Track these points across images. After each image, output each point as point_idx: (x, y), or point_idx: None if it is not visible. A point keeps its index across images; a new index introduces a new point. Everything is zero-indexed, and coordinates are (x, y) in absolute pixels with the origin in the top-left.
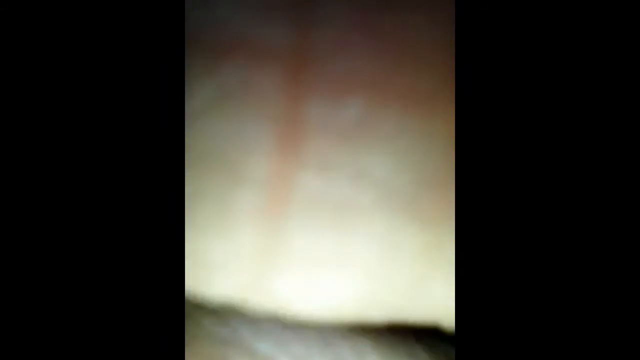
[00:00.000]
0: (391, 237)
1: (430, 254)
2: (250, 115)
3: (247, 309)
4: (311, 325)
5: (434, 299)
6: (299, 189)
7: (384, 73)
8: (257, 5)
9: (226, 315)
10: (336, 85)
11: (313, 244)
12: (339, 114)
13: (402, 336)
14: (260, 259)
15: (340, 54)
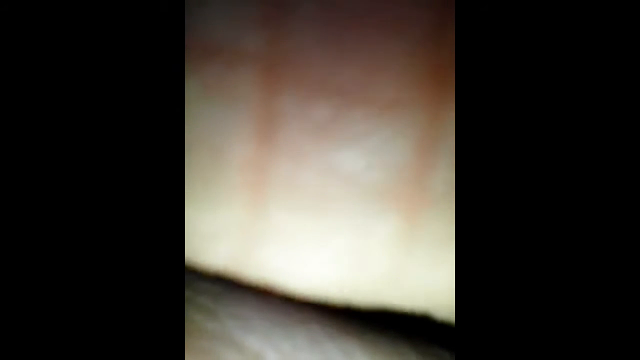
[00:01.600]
0: (363, 225)
1: (403, 241)
2: (229, 109)
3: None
4: (295, 300)
5: (416, 286)
6: (275, 174)
7: (356, 76)
8: (235, 11)
9: (217, 310)
10: (308, 85)
11: (292, 225)
12: (310, 112)
13: (390, 334)
14: (243, 233)
15: (311, 58)
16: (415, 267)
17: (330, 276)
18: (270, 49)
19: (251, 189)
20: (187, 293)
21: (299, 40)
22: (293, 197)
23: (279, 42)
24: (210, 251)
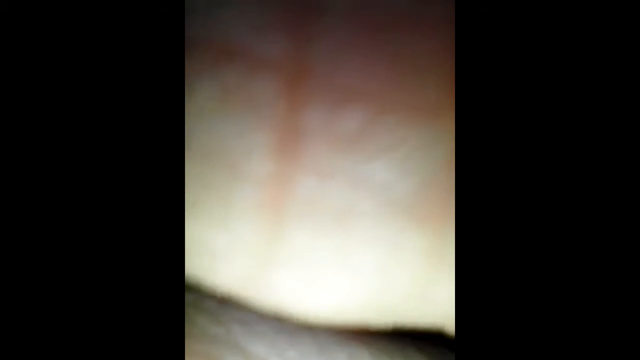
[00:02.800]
0: (391, 242)
1: (432, 259)
2: (249, 118)
3: (244, 302)
4: (310, 325)
5: (437, 304)
6: (296, 191)
7: (383, 83)
8: (259, 13)
9: (221, 314)
10: (334, 94)
11: (311, 245)
12: (337, 122)
13: (401, 343)
14: (258, 254)
15: (338, 65)
16: (439, 285)
17: (352, 298)
18: (295, 54)
19: (270, 206)
20: (192, 297)
21: (326, 45)
22: (315, 215)
23: (304, 48)
24: (223, 271)
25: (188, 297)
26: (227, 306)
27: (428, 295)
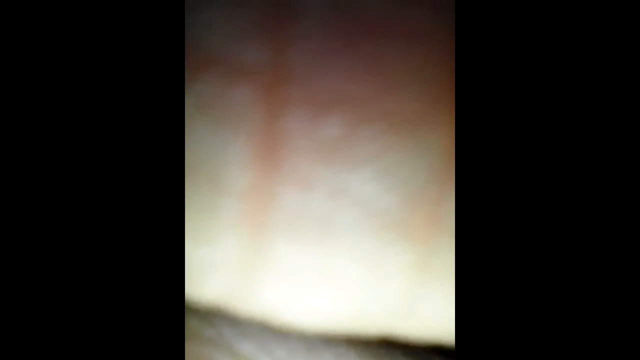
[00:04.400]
0: (375, 254)
1: (419, 272)
2: (227, 127)
3: (230, 313)
4: (294, 335)
5: (424, 317)
6: (277, 202)
7: (366, 89)
8: (235, 20)
9: (212, 317)
10: (314, 102)
11: (294, 257)
12: (318, 131)
13: (389, 344)
14: (241, 267)
15: (318, 72)
16: (429, 299)
17: (337, 311)
18: (273, 60)
19: (252, 217)
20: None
21: (304, 51)
22: (298, 226)
23: (283, 53)
24: (205, 286)
25: None
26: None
27: (414, 309)
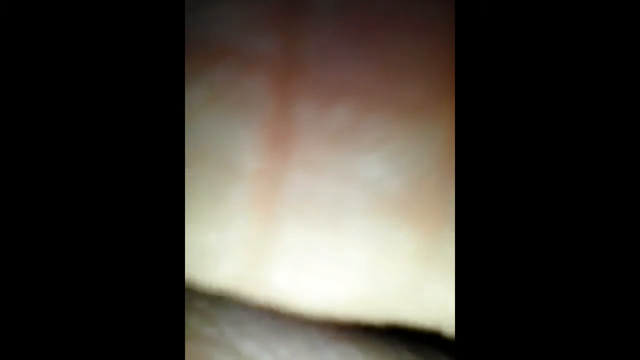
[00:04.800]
0: (382, 238)
1: (425, 256)
2: (240, 115)
3: (237, 299)
4: (302, 321)
5: (431, 301)
6: (288, 187)
7: (373, 79)
8: (248, 11)
9: (213, 315)
10: (324, 89)
11: (303, 241)
12: (327, 117)
13: (394, 342)
14: (250, 251)
15: (328, 60)
16: (433, 283)
17: (344, 293)
18: (285, 52)
19: (262, 202)
20: (186, 296)
21: (315, 42)
22: (307, 210)
23: (294, 44)
24: (215, 269)
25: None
26: (220, 306)
27: (421, 293)
